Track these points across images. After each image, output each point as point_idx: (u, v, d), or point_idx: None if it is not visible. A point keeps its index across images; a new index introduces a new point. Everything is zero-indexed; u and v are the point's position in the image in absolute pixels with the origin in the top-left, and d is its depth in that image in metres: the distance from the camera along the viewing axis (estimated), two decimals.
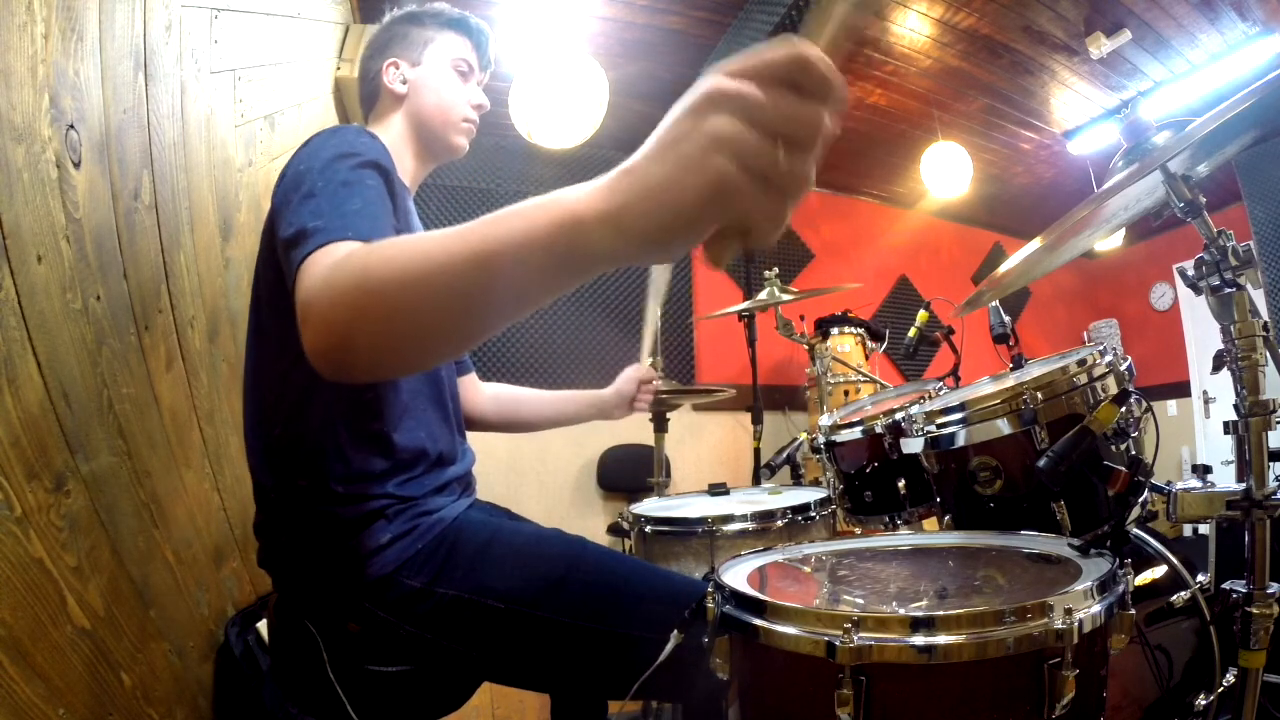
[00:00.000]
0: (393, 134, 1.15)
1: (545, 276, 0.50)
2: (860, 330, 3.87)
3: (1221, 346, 0.92)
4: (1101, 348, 1.11)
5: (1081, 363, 1.07)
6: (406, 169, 1.15)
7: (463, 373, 1.37)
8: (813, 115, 0.42)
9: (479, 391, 1.41)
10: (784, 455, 2.19)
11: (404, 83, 1.16)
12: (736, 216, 0.44)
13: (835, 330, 3.83)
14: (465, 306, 0.52)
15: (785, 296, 2.31)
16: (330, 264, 0.62)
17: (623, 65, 3.36)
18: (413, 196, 1.18)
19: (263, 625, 1.40)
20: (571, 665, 0.94)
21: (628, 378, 1.49)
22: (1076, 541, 0.85)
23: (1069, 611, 0.63)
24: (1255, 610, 0.87)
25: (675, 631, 0.80)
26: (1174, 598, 1.11)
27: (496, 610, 0.91)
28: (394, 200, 0.92)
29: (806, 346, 2.79)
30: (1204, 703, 1.04)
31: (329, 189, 0.78)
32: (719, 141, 0.41)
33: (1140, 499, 1.01)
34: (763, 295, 2.36)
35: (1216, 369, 0.94)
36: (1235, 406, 0.91)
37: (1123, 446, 1.02)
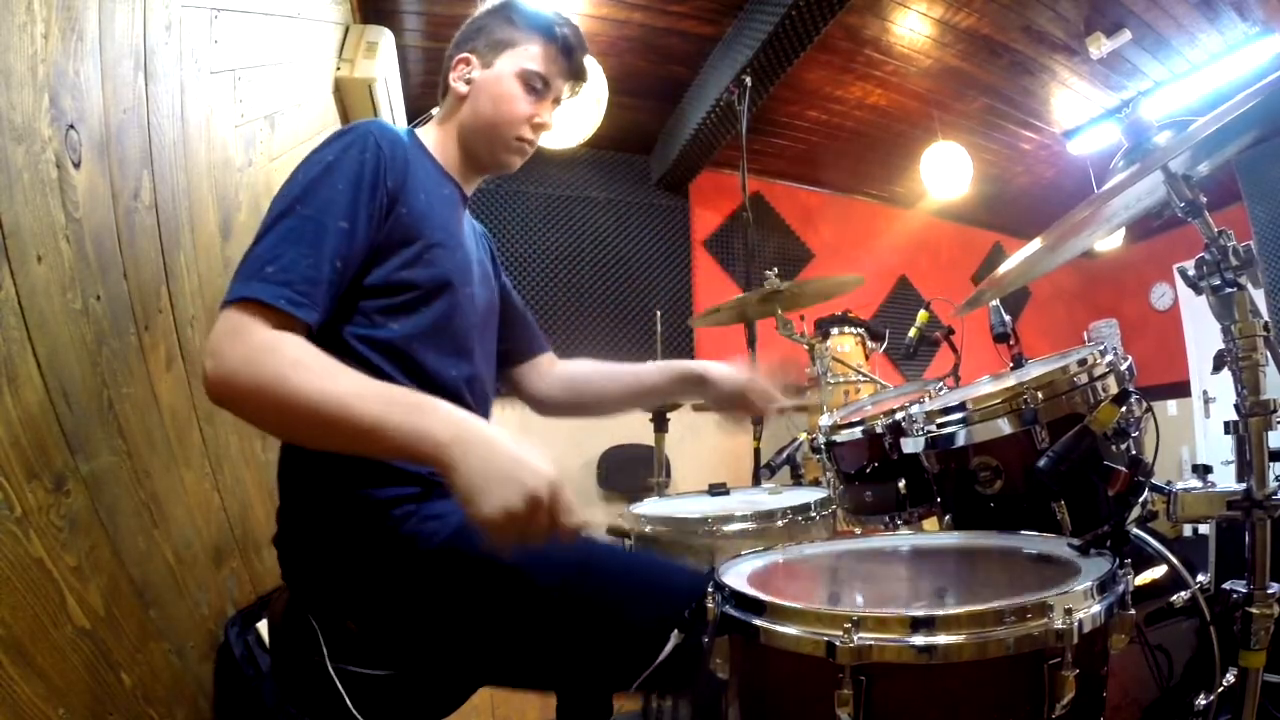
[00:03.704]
0: (447, 133, 1.11)
1: (389, 455, 0.83)
2: (860, 330, 3.87)
3: (1222, 346, 0.92)
4: (1102, 347, 1.11)
5: (1082, 362, 1.07)
6: (456, 167, 1.12)
7: (534, 354, 1.29)
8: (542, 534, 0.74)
9: (548, 373, 1.29)
10: (784, 455, 2.19)
11: (467, 83, 1.10)
12: (513, 527, 0.72)
13: (835, 330, 3.83)
14: (328, 443, 0.81)
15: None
16: (261, 344, 0.78)
17: (621, 64, 3.37)
18: (468, 195, 1.15)
19: (263, 625, 1.40)
20: (575, 663, 0.93)
21: (761, 383, 1.22)
22: (1076, 541, 0.85)
23: (1069, 611, 0.63)
24: (1255, 610, 0.87)
25: (675, 631, 0.81)
26: (1174, 598, 1.11)
27: (500, 613, 0.91)
28: (395, 202, 0.94)
29: (806, 346, 2.78)
30: (1204, 703, 1.04)
31: (292, 225, 0.85)
32: (530, 496, 0.71)
33: (1140, 499, 1.01)
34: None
35: (1217, 369, 0.93)
36: (1235, 406, 0.91)
37: (1123, 446, 1.02)
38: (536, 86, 1.10)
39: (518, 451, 0.73)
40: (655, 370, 1.26)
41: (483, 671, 0.96)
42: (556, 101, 1.14)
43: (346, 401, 0.76)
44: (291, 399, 0.75)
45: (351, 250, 0.88)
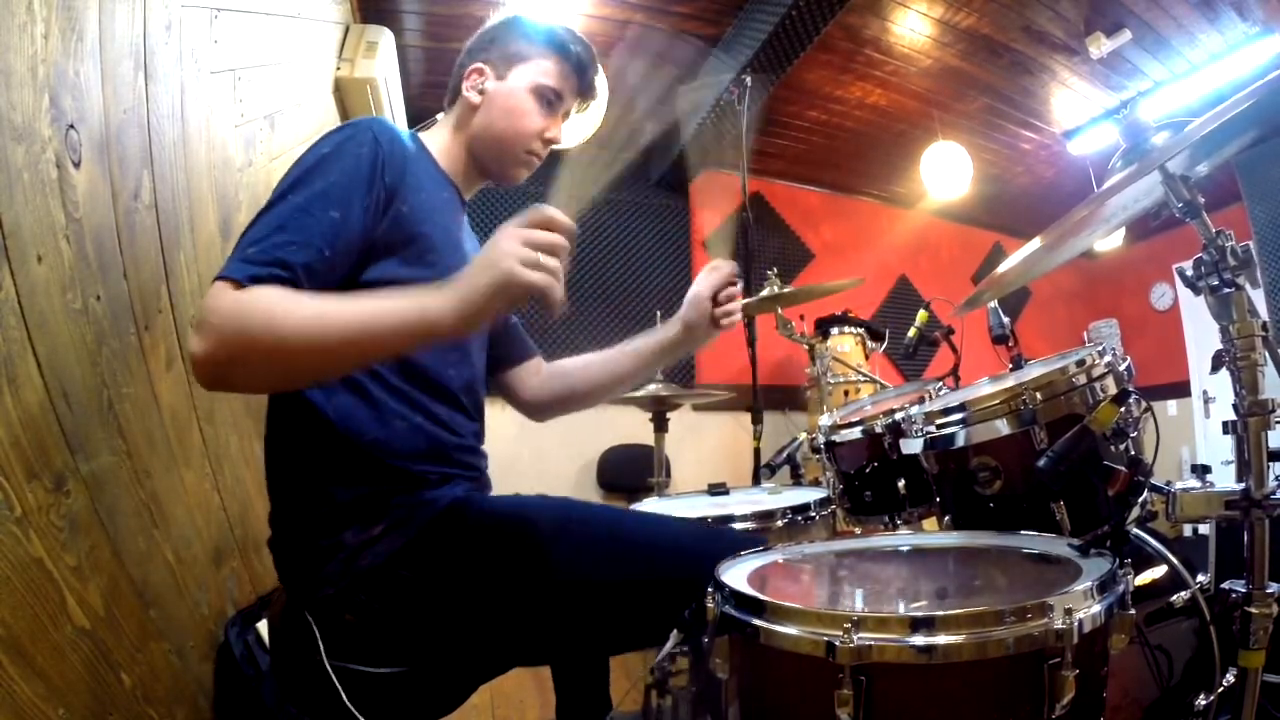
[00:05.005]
0: (455, 139, 1.12)
1: (396, 350, 0.89)
2: (860, 330, 3.87)
3: (1221, 346, 0.92)
4: (1101, 348, 1.11)
5: (1081, 363, 1.07)
6: (459, 173, 1.13)
7: (524, 359, 1.27)
8: (556, 240, 0.81)
9: (537, 376, 1.27)
10: (784, 455, 2.19)
11: (480, 93, 1.11)
12: (527, 291, 0.79)
13: (835, 330, 3.83)
14: (335, 362, 0.84)
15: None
16: (240, 298, 0.78)
17: (621, 64, 3.36)
18: (467, 200, 1.16)
19: (263, 625, 1.40)
20: (574, 625, 0.94)
21: (699, 292, 1.19)
22: (1076, 541, 0.85)
23: (1069, 611, 0.63)
24: (1255, 610, 0.87)
25: (675, 631, 0.81)
26: (1174, 598, 1.11)
27: (494, 582, 0.92)
28: (393, 197, 0.94)
29: (806, 346, 2.79)
30: (1204, 703, 1.04)
31: (282, 211, 0.86)
32: (510, 254, 0.79)
33: (1140, 499, 1.01)
34: (763, 294, 2.36)
35: (1216, 369, 0.93)
36: (1235, 406, 0.91)
37: (1122, 446, 1.02)
38: (550, 100, 1.11)
39: (483, 264, 0.80)
40: (636, 349, 1.23)
41: (485, 641, 0.96)
42: (565, 116, 1.16)
43: (336, 318, 0.79)
44: (282, 333, 0.77)
45: (343, 240, 0.88)
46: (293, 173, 0.90)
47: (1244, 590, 0.88)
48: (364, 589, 0.91)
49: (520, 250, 0.78)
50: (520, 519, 0.95)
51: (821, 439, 1.58)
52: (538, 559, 0.92)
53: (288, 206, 0.86)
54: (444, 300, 0.79)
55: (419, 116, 1.16)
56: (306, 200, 0.86)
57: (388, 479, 0.94)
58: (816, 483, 1.98)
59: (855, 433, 1.50)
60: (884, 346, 3.94)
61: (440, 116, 1.18)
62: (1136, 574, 1.09)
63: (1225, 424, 0.92)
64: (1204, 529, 1.28)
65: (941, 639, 0.62)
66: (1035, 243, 1.14)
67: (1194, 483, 0.93)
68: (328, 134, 0.95)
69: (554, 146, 1.14)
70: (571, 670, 1.21)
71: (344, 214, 0.88)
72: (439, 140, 1.13)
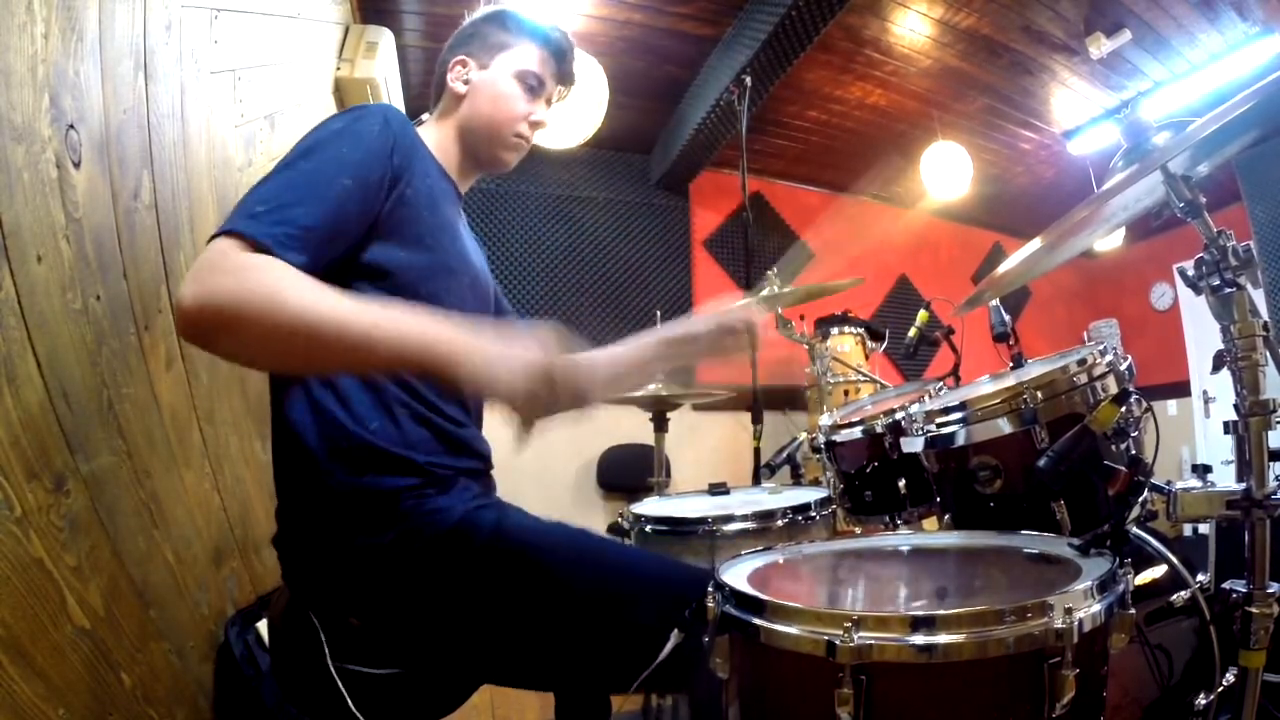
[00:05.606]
0: (445, 132, 1.14)
1: (388, 367, 0.87)
2: (860, 330, 3.87)
3: (1221, 346, 0.92)
4: (1102, 347, 1.11)
5: (1082, 362, 1.07)
6: (453, 166, 1.14)
7: None
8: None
9: None
10: (784, 455, 2.19)
11: (465, 83, 1.14)
12: (547, 398, 0.78)
13: (835, 330, 3.83)
14: (328, 358, 0.79)
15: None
16: (247, 264, 0.74)
17: (621, 64, 3.36)
18: (463, 195, 1.16)
19: (263, 625, 1.40)
20: (575, 661, 0.93)
21: (737, 317, 1.08)
22: (1076, 541, 0.85)
23: (1069, 611, 0.63)
24: (1255, 610, 0.87)
25: (675, 630, 0.81)
26: (1174, 597, 1.11)
27: (500, 609, 0.91)
28: (399, 178, 0.94)
29: (806, 346, 2.78)
30: (1204, 702, 1.04)
31: (290, 176, 0.85)
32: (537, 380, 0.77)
33: (1140, 499, 1.01)
34: (763, 294, 2.36)
35: (1216, 369, 0.93)
36: (1235, 406, 0.91)
37: (1123, 446, 1.02)
38: (533, 85, 1.14)
39: (510, 346, 0.78)
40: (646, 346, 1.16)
41: (486, 662, 0.95)
42: (548, 102, 1.18)
43: (341, 313, 0.75)
44: (283, 314, 0.73)
45: (349, 209, 0.88)
46: (303, 143, 0.90)
47: (1244, 590, 0.88)
48: (371, 594, 0.91)
49: (546, 389, 0.77)
50: (534, 549, 0.94)
51: (822, 439, 1.58)
52: (548, 593, 0.91)
53: (296, 172, 0.85)
54: (460, 347, 0.76)
55: (418, 116, 1.18)
56: (316, 166, 0.86)
57: (395, 470, 0.92)
58: (816, 482, 1.98)
59: (855, 432, 1.50)
60: (884, 346, 3.93)
61: (426, 116, 1.19)
62: (1136, 573, 1.09)
63: (1226, 424, 0.92)
64: (1204, 529, 1.28)
65: (942, 638, 0.62)
66: (1035, 243, 1.14)
67: (1194, 482, 0.93)
68: (340, 113, 0.95)
69: (539, 130, 1.17)
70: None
71: (353, 183, 0.88)
72: (431, 136, 1.13)
